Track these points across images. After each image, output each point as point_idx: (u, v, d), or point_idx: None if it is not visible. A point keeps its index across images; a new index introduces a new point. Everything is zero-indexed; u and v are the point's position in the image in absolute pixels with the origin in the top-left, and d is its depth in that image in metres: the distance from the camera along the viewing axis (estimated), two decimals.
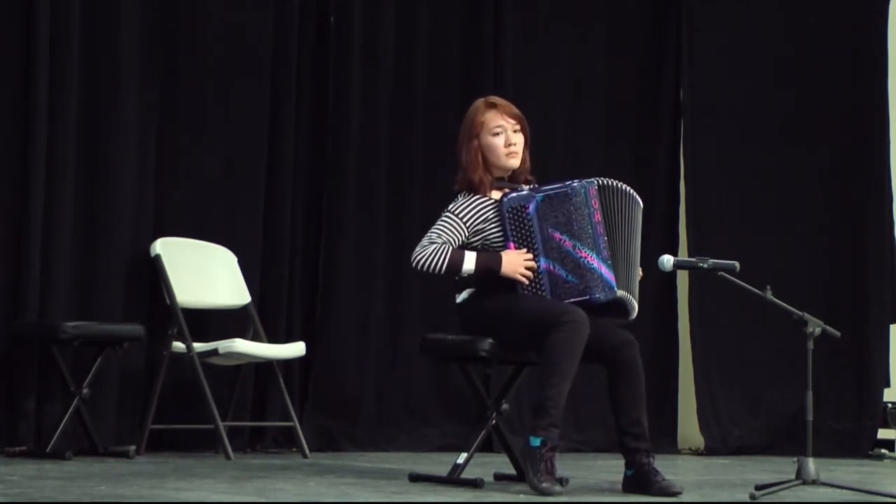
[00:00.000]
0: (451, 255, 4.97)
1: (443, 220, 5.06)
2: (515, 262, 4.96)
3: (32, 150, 6.32)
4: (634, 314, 5.08)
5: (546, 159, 7.41)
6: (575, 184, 4.98)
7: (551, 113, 8.00)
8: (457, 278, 5.07)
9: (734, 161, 8.31)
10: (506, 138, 5.11)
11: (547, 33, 8.06)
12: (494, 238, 5.04)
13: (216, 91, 7.00)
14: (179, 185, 6.89)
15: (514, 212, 5.00)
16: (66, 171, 6.45)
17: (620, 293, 4.96)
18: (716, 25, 8.39)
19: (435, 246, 4.99)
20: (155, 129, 6.78)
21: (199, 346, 6.50)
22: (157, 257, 6.63)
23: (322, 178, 7.35)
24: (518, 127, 5.15)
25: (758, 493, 4.79)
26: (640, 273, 5.14)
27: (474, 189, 5.09)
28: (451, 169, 7.48)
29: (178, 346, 6.52)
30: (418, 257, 5.00)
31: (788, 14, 8.42)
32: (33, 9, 6.35)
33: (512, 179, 5.16)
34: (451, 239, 5.01)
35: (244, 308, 6.87)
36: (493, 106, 5.17)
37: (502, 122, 5.12)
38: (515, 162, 5.13)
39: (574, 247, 4.94)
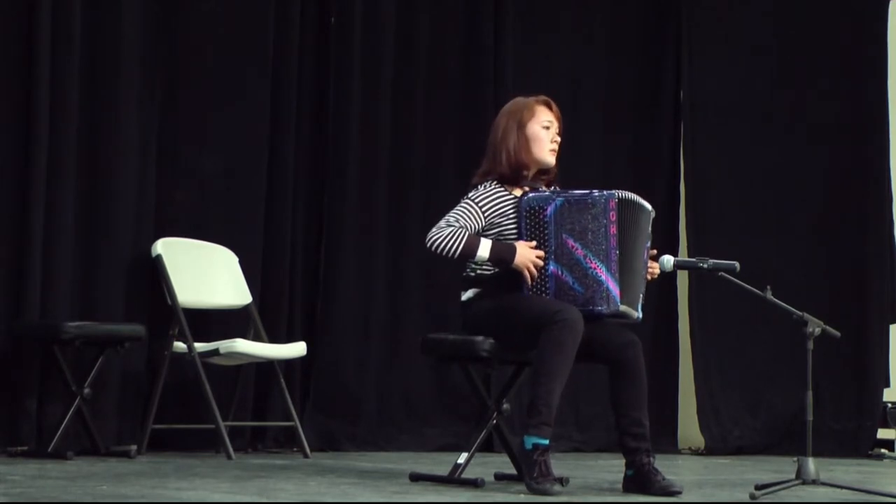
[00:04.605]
0: (466, 240, 4.96)
1: (461, 206, 5.05)
2: (527, 256, 4.95)
3: (34, 149, 6.32)
4: (638, 319, 5.11)
5: None
6: (595, 193, 4.96)
7: None
8: (464, 274, 5.08)
9: (734, 161, 8.31)
10: (552, 135, 5.15)
11: (547, 33, 8.06)
12: (509, 234, 5.04)
13: (217, 91, 7.00)
14: (180, 185, 6.89)
15: (532, 212, 5.00)
16: (68, 171, 6.45)
17: (623, 308, 4.98)
18: (716, 25, 8.39)
19: (452, 229, 4.97)
20: (156, 129, 6.78)
21: (200, 346, 6.50)
22: (159, 257, 6.64)
23: (322, 178, 7.35)
24: (559, 130, 5.19)
25: (758, 493, 4.80)
26: (654, 271, 5.16)
27: (511, 177, 5.06)
28: (450, 169, 7.52)
29: (180, 346, 6.52)
30: (434, 238, 4.97)
31: (788, 14, 8.42)
32: (34, 9, 6.36)
33: (534, 179, 5.16)
34: (467, 224, 4.99)
35: (245, 308, 6.88)
36: (546, 103, 5.21)
37: (553, 119, 5.18)
38: (553, 160, 5.17)
39: (585, 256, 4.93)
